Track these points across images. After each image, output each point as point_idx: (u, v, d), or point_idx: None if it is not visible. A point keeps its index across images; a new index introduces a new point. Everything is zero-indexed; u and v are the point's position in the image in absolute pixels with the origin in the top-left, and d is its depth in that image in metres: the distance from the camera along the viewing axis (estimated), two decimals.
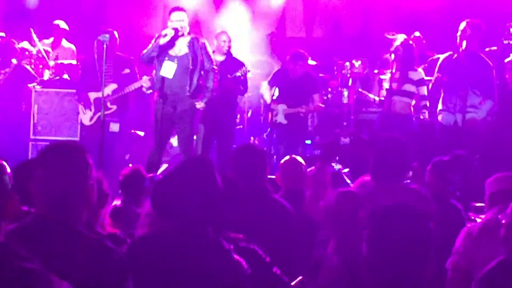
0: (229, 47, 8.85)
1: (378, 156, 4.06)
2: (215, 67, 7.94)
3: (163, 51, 7.63)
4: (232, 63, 8.73)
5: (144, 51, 7.74)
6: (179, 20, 7.62)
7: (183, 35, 7.65)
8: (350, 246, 3.59)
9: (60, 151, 2.84)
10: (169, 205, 3.03)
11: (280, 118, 8.86)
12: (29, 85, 9.27)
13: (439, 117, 7.99)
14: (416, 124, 8.24)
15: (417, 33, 9.56)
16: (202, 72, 7.74)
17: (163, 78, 7.64)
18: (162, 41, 7.57)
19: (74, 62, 9.95)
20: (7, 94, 9.19)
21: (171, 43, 7.62)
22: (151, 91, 8.17)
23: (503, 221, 3.25)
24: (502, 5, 10.11)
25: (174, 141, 8.80)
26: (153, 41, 7.74)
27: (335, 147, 4.32)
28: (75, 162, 2.80)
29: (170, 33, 7.55)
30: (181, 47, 7.70)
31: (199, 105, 7.68)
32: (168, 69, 7.62)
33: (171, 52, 7.67)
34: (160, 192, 3.10)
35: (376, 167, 4.06)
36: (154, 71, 7.86)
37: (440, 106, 7.99)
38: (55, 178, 2.75)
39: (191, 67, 7.63)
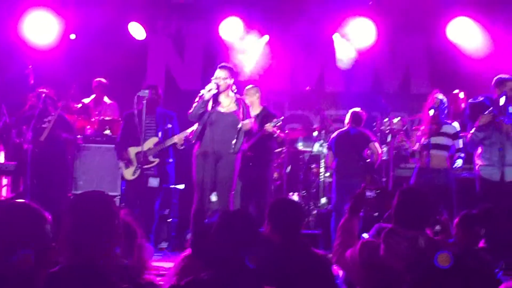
0: (262, 100, 8.99)
1: (399, 206, 4.09)
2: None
3: (207, 106, 7.78)
4: (267, 117, 8.80)
5: (192, 110, 7.83)
6: (222, 78, 7.79)
7: (226, 89, 7.81)
8: None
9: (86, 201, 2.96)
10: (210, 254, 3.25)
11: None
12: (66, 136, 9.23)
13: (481, 172, 7.90)
14: (453, 179, 8.17)
15: (456, 91, 9.60)
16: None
17: (207, 133, 7.78)
18: (207, 96, 7.72)
19: (115, 118, 10.08)
20: (50, 146, 9.04)
21: (215, 98, 7.77)
22: (183, 147, 8.35)
23: None
24: None
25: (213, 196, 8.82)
26: (197, 99, 7.86)
27: (362, 200, 4.47)
28: (100, 211, 2.91)
29: (213, 87, 7.71)
30: (230, 105, 7.87)
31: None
32: (217, 126, 7.75)
33: (220, 108, 7.84)
34: (202, 242, 3.34)
35: (397, 215, 4.08)
36: (195, 125, 7.96)
37: (480, 161, 7.91)
38: (81, 226, 2.84)
39: (239, 126, 7.77)
